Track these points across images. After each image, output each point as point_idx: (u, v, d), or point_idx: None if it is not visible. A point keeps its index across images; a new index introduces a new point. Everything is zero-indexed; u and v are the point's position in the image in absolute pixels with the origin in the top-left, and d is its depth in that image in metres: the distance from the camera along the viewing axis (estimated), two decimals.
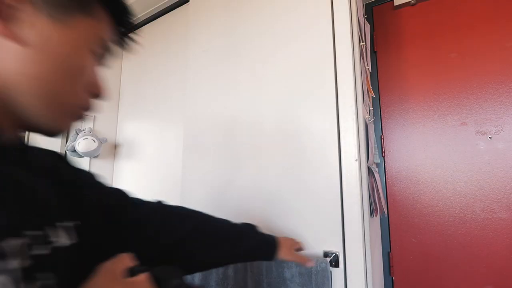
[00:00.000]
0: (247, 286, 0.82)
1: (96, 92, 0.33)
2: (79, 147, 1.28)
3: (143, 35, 1.49)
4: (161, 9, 1.40)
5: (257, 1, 1.03)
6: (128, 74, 1.53)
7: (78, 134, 1.33)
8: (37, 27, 0.25)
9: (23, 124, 0.28)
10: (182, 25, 1.31)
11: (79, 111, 0.31)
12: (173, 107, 1.27)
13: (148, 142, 1.35)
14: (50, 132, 0.30)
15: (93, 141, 1.31)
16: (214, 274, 0.88)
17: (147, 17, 1.46)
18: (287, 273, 0.77)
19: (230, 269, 0.85)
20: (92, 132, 1.36)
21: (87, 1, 0.29)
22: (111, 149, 1.48)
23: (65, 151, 1.32)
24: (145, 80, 1.42)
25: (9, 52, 0.24)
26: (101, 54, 0.32)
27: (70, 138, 1.33)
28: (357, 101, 0.81)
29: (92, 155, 1.36)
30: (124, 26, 0.34)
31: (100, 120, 1.49)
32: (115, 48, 0.35)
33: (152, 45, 1.41)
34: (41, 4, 0.25)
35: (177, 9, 1.36)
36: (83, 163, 1.41)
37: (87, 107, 0.32)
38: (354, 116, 0.79)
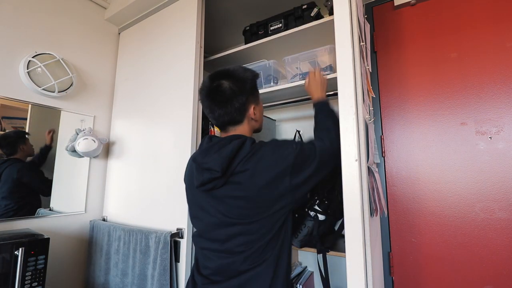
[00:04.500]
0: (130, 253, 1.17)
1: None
2: (79, 147, 1.27)
3: (136, 35, 1.51)
4: (151, 9, 1.41)
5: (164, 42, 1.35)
6: (122, 74, 1.53)
7: (78, 134, 1.32)
8: (256, 111, 0.83)
9: (255, 131, 0.88)
10: (172, 26, 1.32)
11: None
12: (163, 107, 1.26)
13: (138, 140, 1.34)
14: (259, 131, 0.89)
15: (93, 141, 1.31)
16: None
17: (138, 16, 1.48)
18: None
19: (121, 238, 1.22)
20: (92, 132, 1.36)
21: (259, 96, 0.88)
22: (104, 147, 1.48)
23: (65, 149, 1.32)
24: (137, 79, 1.42)
25: (253, 122, 0.84)
26: None
27: (70, 138, 1.33)
28: (357, 101, 0.81)
29: (92, 155, 1.35)
30: None
31: (98, 119, 1.49)
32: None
33: (146, 43, 1.42)
34: (254, 105, 0.82)
35: (165, 8, 1.36)
36: (83, 163, 1.41)
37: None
38: (354, 116, 0.79)
